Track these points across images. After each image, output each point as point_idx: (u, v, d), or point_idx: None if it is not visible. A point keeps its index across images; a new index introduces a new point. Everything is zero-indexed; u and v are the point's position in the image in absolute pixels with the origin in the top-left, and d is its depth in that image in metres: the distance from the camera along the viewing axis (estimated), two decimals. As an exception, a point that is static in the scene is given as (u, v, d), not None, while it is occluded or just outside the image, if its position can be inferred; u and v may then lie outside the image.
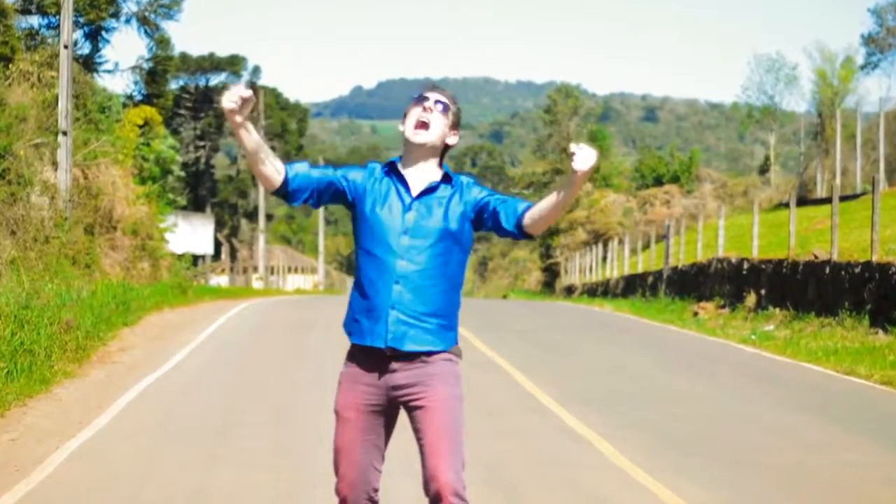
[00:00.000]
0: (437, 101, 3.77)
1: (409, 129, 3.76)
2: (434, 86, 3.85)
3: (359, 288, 3.77)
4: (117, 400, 9.04)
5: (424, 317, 3.69)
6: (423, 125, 3.74)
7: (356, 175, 3.85)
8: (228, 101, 3.57)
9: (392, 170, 3.81)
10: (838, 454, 7.26)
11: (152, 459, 6.76)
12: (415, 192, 3.76)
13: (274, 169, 3.76)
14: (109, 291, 15.98)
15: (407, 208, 3.73)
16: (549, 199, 3.62)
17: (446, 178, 3.80)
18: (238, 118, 3.61)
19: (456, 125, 3.83)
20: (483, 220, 3.78)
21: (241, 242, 56.24)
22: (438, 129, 3.76)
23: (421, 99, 3.78)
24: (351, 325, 3.78)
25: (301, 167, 3.83)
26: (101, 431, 7.68)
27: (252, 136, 3.70)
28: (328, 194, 3.84)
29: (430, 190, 3.76)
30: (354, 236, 3.83)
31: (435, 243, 3.71)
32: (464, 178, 3.83)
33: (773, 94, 50.58)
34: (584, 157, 3.47)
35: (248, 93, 3.60)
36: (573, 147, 3.49)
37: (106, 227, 21.50)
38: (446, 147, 3.83)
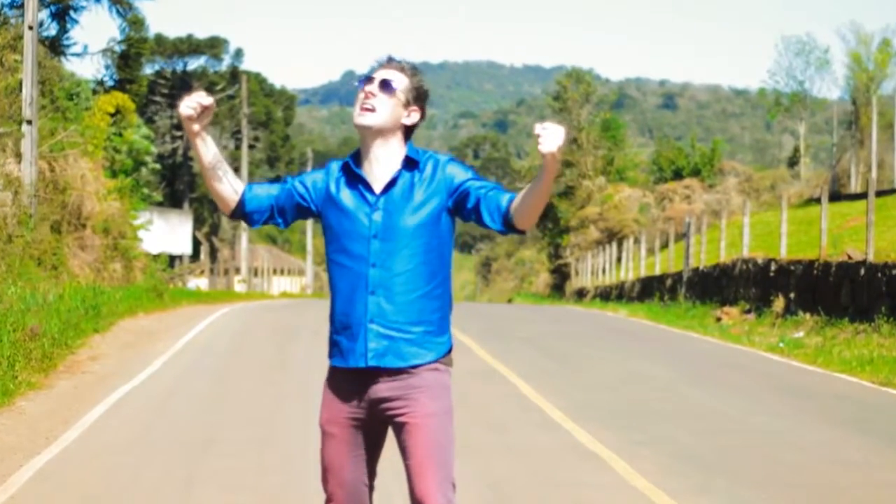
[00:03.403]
0: (382, 82, 3.66)
1: (355, 112, 3.69)
2: (389, 60, 3.73)
3: (333, 304, 3.74)
4: (87, 413, 9.04)
5: (407, 326, 3.64)
6: (367, 109, 3.65)
7: (315, 177, 3.78)
8: (186, 107, 3.58)
9: (349, 168, 3.72)
10: (874, 473, 7.26)
11: (125, 479, 6.75)
12: (378, 188, 3.67)
13: (231, 189, 3.75)
14: (78, 295, 15.98)
15: (372, 208, 3.66)
16: (529, 190, 3.55)
17: (410, 163, 3.69)
18: (196, 126, 3.61)
19: (413, 101, 3.70)
20: (464, 212, 3.69)
21: (221, 241, 56.25)
22: (386, 111, 3.65)
23: (366, 81, 3.68)
24: (331, 347, 3.76)
25: (261, 187, 3.81)
26: (69, 448, 7.68)
27: (210, 149, 3.69)
28: (291, 210, 3.79)
29: (393, 182, 3.67)
30: (325, 246, 3.77)
31: (409, 243, 3.64)
32: (440, 157, 3.73)
33: (802, 80, 50.63)
34: (550, 137, 3.40)
35: (209, 100, 3.60)
36: (537, 128, 3.42)
37: (74, 224, 21.50)
38: (407, 129, 3.73)
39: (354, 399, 3.71)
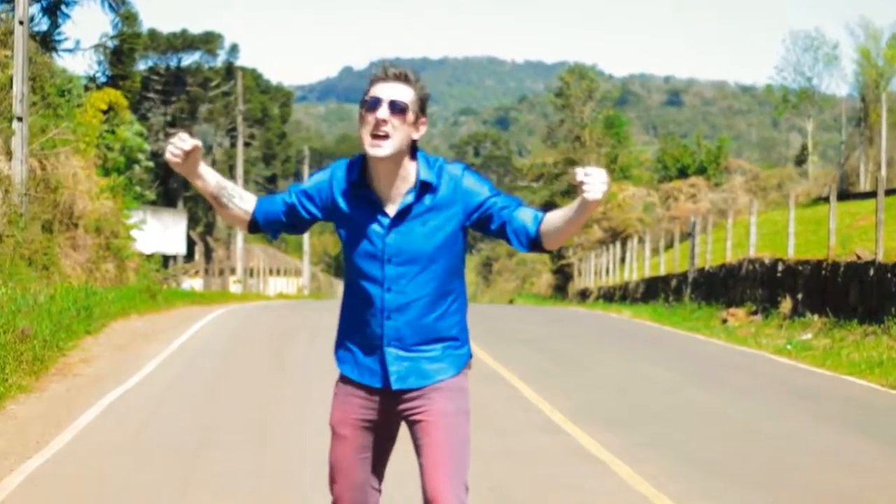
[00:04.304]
0: (391, 104, 3.51)
1: (365, 140, 3.53)
2: (386, 69, 3.57)
3: (349, 318, 3.72)
4: (79, 417, 9.04)
5: (427, 346, 3.65)
6: (380, 138, 3.52)
7: (321, 185, 3.70)
8: (171, 155, 3.56)
9: (357, 185, 3.62)
10: (884, 476, 7.27)
11: (118, 484, 6.76)
12: (391, 210, 3.60)
13: (241, 211, 3.75)
14: (70, 296, 15.99)
15: (385, 230, 3.60)
16: (563, 220, 3.51)
17: (425, 187, 3.59)
18: (183, 170, 3.61)
19: (421, 113, 3.59)
20: (486, 231, 3.64)
21: (216, 241, 56.28)
22: (399, 135, 3.53)
23: (373, 105, 3.53)
24: (343, 352, 3.75)
25: (271, 203, 3.77)
26: (61, 452, 7.69)
27: (210, 183, 3.68)
28: (301, 223, 3.76)
29: (409, 207, 3.58)
30: (343, 262, 3.77)
31: (426, 267, 3.60)
32: (454, 169, 3.62)
33: (811, 76, 50.69)
34: (595, 185, 3.35)
35: (192, 143, 3.56)
36: (580, 175, 3.37)
37: (66, 223, 21.51)
38: (414, 142, 3.62)
39: (368, 399, 3.72)
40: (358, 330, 3.69)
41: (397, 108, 3.53)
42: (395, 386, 3.64)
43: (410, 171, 3.61)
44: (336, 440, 3.76)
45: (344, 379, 3.78)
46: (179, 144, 3.55)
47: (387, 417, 3.72)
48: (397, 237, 3.59)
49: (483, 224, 3.64)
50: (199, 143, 3.58)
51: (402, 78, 3.58)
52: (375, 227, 3.61)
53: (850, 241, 19.59)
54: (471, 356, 3.77)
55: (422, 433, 3.65)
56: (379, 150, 3.52)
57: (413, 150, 3.63)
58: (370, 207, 3.62)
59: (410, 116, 3.55)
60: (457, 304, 3.71)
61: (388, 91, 3.55)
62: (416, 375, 3.65)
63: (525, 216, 3.59)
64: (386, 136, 3.52)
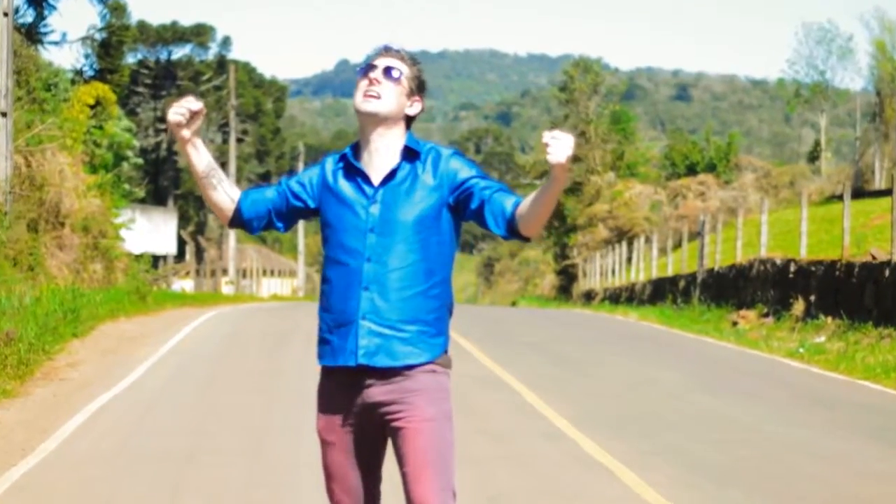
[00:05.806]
0: (386, 69, 3.73)
1: (357, 100, 3.73)
2: (387, 49, 3.80)
3: (325, 302, 3.78)
4: (65, 423, 9.05)
5: (401, 324, 3.67)
6: (372, 96, 3.72)
7: (311, 173, 3.86)
8: (174, 114, 3.66)
9: (346, 160, 3.79)
10: (899, 485, 7.28)
11: (106, 492, 6.77)
12: (376, 181, 3.73)
13: (227, 197, 3.83)
14: (56, 297, 16.00)
15: (370, 201, 3.71)
16: (535, 198, 3.59)
17: (410, 154, 3.75)
18: (186, 133, 3.70)
19: (416, 91, 3.78)
20: (466, 213, 3.74)
21: (208, 241, 56.31)
22: (391, 98, 3.72)
23: (368, 69, 3.75)
24: (322, 347, 3.79)
25: (257, 192, 3.88)
26: (47, 460, 7.70)
27: (203, 157, 3.77)
28: (289, 214, 3.86)
29: (393, 174, 3.72)
30: (322, 246, 3.84)
31: (407, 238, 3.68)
32: (443, 150, 3.78)
33: (824, 70, 50.71)
34: (559, 147, 3.44)
35: (198, 104, 3.67)
36: (546, 136, 3.47)
37: (52, 222, 21.51)
38: (409, 119, 3.80)
39: (349, 404, 3.73)
40: (334, 309, 3.73)
41: (391, 74, 3.74)
42: (361, 361, 3.65)
43: (400, 145, 3.77)
44: (325, 447, 3.79)
45: (323, 374, 3.80)
46: (185, 104, 3.67)
47: (369, 421, 3.73)
48: (381, 207, 3.70)
49: (464, 203, 3.74)
50: (203, 107, 3.70)
51: (400, 57, 3.79)
52: (361, 197, 3.73)
53: (865, 241, 19.60)
54: (445, 350, 3.76)
55: (403, 441, 3.66)
56: (369, 104, 3.71)
57: (406, 126, 3.80)
58: (358, 178, 3.75)
59: (404, 85, 3.76)
60: (438, 291, 3.74)
61: (385, 61, 3.77)
62: (385, 354, 3.66)
63: (505, 199, 3.69)
64: (378, 96, 3.71)
